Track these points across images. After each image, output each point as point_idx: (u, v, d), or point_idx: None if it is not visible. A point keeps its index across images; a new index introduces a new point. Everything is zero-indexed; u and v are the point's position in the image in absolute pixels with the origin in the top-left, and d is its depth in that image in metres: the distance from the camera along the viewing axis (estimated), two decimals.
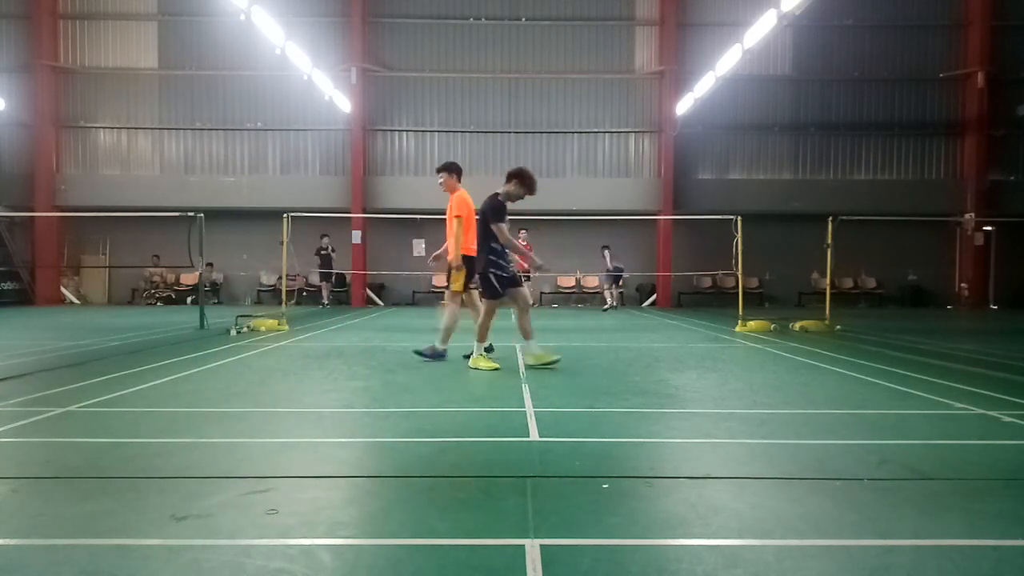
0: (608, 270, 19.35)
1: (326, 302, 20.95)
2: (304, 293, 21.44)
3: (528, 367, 7.10)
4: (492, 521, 2.80)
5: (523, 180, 7.22)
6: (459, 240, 7.53)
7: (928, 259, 23.18)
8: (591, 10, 22.52)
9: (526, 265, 18.60)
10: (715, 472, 3.53)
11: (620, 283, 20.25)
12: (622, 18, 22.64)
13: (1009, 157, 22.83)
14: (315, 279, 21.34)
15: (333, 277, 21.22)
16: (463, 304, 8.00)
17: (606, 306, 19.62)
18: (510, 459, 3.78)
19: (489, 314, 7.25)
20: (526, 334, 7.15)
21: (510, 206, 7.27)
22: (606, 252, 19.23)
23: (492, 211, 7.06)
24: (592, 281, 22.56)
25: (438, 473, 3.48)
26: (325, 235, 20.44)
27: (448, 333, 7.80)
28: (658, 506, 3.05)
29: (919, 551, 2.54)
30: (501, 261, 7.11)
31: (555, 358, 7.12)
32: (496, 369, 7.01)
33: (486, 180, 23.05)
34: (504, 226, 7.07)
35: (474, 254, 7.56)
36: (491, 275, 7.07)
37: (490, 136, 22.60)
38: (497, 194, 7.26)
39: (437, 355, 7.81)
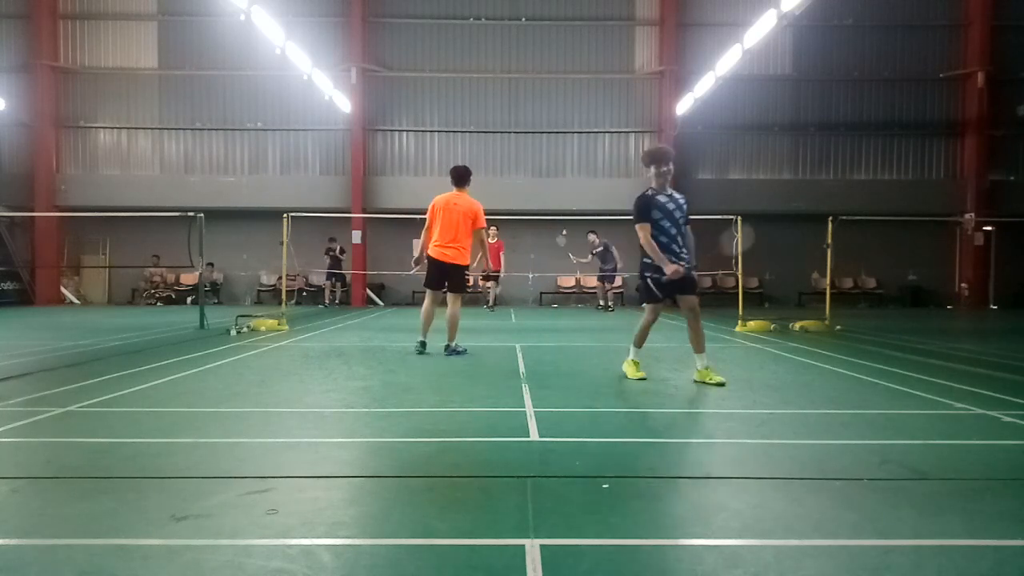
0: (595, 255, 17.90)
1: (327, 303, 20.97)
2: (304, 293, 21.46)
3: (696, 382, 6.26)
4: (492, 521, 2.80)
5: (653, 158, 6.43)
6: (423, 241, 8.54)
7: (928, 259, 23.17)
8: (591, 10, 22.52)
9: (495, 265, 18.10)
10: (715, 472, 3.53)
11: (612, 283, 18.78)
12: (622, 18, 22.64)
13: (1009, 157, 22.83)
14: (315, 279, 21.37)
15: (338, 279, 21.28)
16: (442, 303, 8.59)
17: (601, 304, 18.61)
18: (510, 459, 3.78)
19: (649, 320, 6.57)
20: (696, 346, 6.33)
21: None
22: (591, 236, 17.92)
23: (635, 211, 6.37)
24: (591, 281, 22.54)
25: (438, 473, 3.48)
26: (333, 238, 20.49)
27: (423, 326, 8.49)
28: (658, 506, 3.05)
29: (919, 551, 2.54)
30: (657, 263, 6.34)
31: (720, 380, 6.13)
32: (642, 379, 6.32)
33: (486, 180, 23.20)
34: (647, 226, 6.29)
35: (432, 255, 8.28)
36: (647, 279, 6.48)
37: (490, 136, 22.60)
38: (645, 191, 6.49)
39: (455, 352, 8.35)
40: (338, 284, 21.12)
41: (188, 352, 8.54)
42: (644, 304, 6.63)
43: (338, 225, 21.06)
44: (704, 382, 6.15)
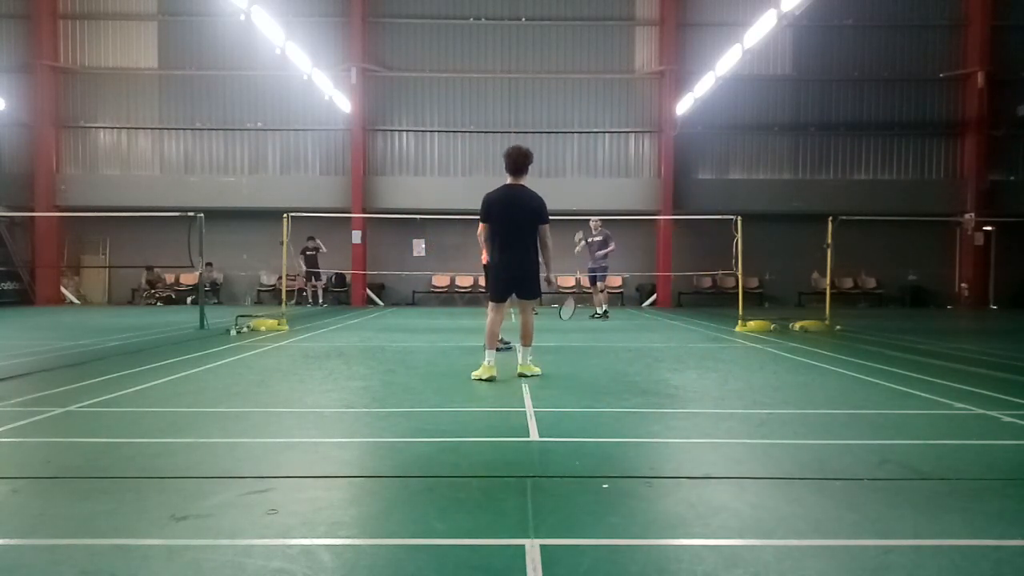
0: (593, 257, 15.43)
1: (321, 302, 20.95)
2: (304, 293, 21.47)
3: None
4: (492, 521, 2.81)
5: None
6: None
7: (928, 259, 23.16)
8: (591, 10, 22.50)
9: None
10: (715, 472, 3.53)
11: (605, 282, 16.41)
12: (622, 18, 22.63)
13: (1009, 157, 22.81)
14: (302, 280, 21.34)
15: (323, 277, 21.29)
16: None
17: (598, 313, 15.71)
18: (510, 459, 3.78)
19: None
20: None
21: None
22: (595, 221, 15.50)
23: (545, 211, 6.57)
24: (572, 281, 22.49)
25: (438, 473, 3.48)
26: (311, 237, 20.40)
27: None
28: (658, 506, 3.05)
29: (919, 551, 2.54)
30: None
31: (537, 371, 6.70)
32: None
33: (486, 180, 23.14)
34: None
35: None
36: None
37: (490, 136, 22.58)
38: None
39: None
40: (318, 283, 21.16)
41: (188, 352, 8.54)
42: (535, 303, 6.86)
43: (338, 225, 21.06)
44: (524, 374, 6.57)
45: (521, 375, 6.59)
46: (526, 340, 6.70)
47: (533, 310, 6.94)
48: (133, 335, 10.95)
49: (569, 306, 8.04)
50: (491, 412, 5.06)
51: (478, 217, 6.67)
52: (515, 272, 6.53)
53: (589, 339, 10.81)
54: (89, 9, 22.48)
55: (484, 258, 8.00)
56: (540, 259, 6.59)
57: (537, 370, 6.70)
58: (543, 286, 6.70)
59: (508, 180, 6.58)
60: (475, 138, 22.62)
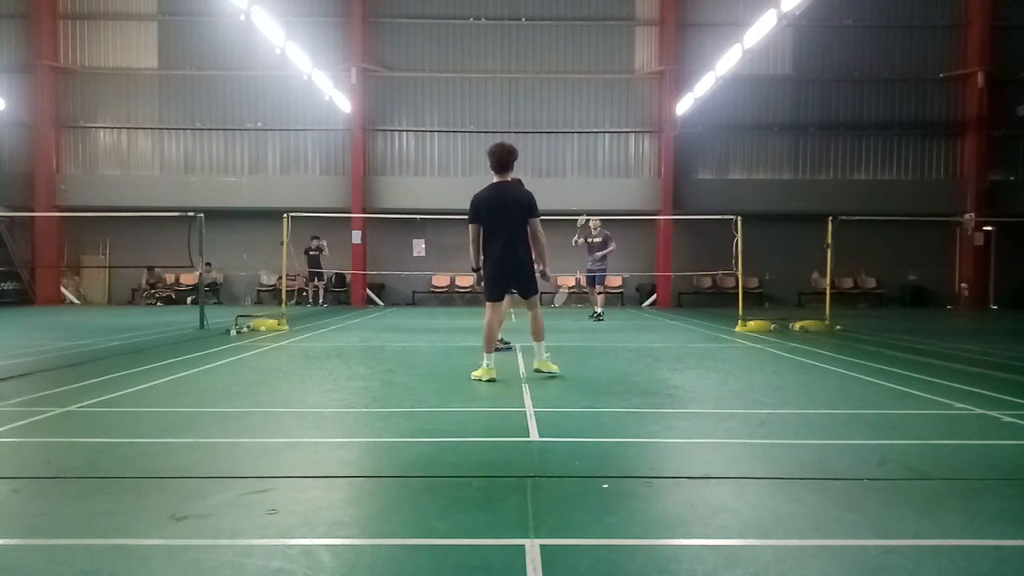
0: (592, 258, 14.85)
1: (322, 302, 20.93)
2: (304, 293, 21.49)
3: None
4: (492, 521, 2.81)
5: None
6: None
7: (928, 259, 23.16)
8: (591, 10, 22.50)
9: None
10: (715, 472, 3.53)
11: (603, 283, 15.92)
12: (622, 18, 22.63)
13: (1009, 157, 22.81)
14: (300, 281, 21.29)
15: (325, 276, 21.26)
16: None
17: (596, 313, 15.20)
18: (510, 459, 3.78)
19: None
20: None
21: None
22: (595, 220, 14.84)
23: (535, 206, 6.63)
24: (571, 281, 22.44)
25: (438, 473, 3.48)
26: (315, 236, 20.41)
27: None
28: (658, 506, 3.05)
29: (919, 551, 2.54)
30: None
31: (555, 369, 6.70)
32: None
33: (486, 180, 23.06)
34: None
35: None
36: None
37: (490, 136, 22.48)
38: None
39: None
40: (320, 283, 21.15)
41: (188, 352, 8.54)
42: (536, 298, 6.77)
43: (338, 225, 21.05)
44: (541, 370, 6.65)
45: (538, 371, 6.62)
46: (537, 335, 6.68)
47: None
48: (133, 335, 10.95)
49: (562, 294, 8.16)
50: (491, 412, 5.06)
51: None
52: (509, 270, 6.52)
53: (589, 339, 10.81)
54: (89, 9, 22.48)
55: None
56: (534, 255, 6.59)
57: (555, 368, 6.65)
58: (540, 281, 6.70)
59: (494, 179, 6.62)
60: (475, 138, 22.60)
